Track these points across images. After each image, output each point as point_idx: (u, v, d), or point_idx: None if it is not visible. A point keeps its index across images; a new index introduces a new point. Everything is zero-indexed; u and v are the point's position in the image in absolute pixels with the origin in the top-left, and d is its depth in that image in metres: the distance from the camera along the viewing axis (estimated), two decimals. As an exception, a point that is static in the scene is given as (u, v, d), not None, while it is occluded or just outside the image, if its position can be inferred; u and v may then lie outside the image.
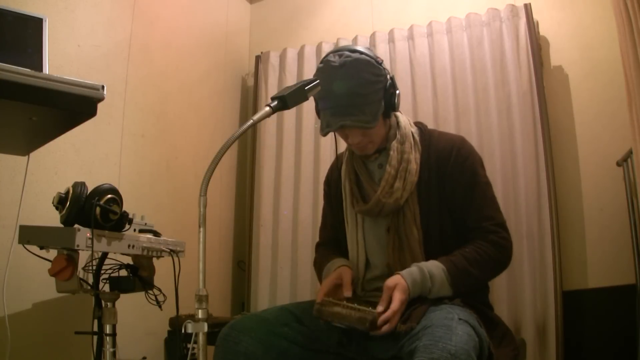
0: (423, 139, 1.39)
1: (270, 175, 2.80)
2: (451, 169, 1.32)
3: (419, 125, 1.44)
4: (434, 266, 1.21)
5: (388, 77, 1.31)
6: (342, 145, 1.48)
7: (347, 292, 1.27)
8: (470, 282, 1.22)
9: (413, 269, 1.21)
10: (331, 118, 1.27)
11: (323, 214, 1.60)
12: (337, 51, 1.29)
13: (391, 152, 1.34)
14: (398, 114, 1.40)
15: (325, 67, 1.27)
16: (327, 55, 1.31)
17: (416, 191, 1.32)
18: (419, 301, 1.19)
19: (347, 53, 1.27)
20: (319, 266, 1.47)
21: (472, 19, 2.51)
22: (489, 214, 1.30)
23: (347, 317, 1.15)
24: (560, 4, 2.48)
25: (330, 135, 1.34)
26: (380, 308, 1.14)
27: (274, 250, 2.71)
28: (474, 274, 1.21)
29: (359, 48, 1.30)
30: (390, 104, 1.31)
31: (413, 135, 1.37)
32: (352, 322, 1.14)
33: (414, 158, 1.34)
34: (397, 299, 1.14)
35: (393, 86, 1.32)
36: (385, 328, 1.12)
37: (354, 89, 1.24)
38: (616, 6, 1.85)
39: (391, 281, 1.18)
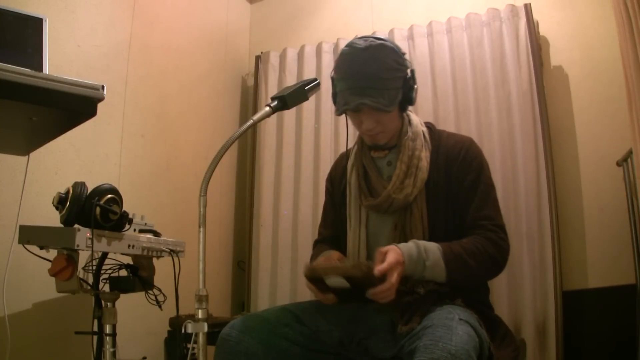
0: (433, 138, 1.39)
1: (270, 175, 2.80)
2: (458, 168, 1.33)
3: (429, 125, 1.45)
4: (429, 244, 1.20)
5: (409, 70, 1.33)
6: (351, 140, 1.47)
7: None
8: (465, 271, 1.20)
9: (409, 244, 1.19)
10: (350, 97, 1.27)
11: (323, 211, 1.59)
12: (363, 37, 1.31)
13: (403, 149, 1.34)
14: (410, 112, 1.41)
15: (350, 49, 1.29)
16: (353, 40, 1.32)
17: (425, 190, 1.32)
18: (420, 301, 1.19)
19: (373, 39, 1.29)
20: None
21: (472, 19, 2.51)
22: (488, 214, 1.29)
23: (341, 268, 1.11)
24: (560, 4, 2.48)
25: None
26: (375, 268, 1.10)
27: (274, 250, 2.70)
28: (469, 263, 1.19)
29: (384, 37, 1.33)
30: (407, 96, 1.32)
31: (424, 134, 1.38)
32: (346, 271, 1.09)
33: (425, 156, 1.34)
34: (391, 256, 1.12)
35: (413, 79, 1.33)
36: (383, 295, 1.09)
37: (377, 72, 1.25)
38: (616, 6, 1.85)
39: (384, 248, 1.16)
